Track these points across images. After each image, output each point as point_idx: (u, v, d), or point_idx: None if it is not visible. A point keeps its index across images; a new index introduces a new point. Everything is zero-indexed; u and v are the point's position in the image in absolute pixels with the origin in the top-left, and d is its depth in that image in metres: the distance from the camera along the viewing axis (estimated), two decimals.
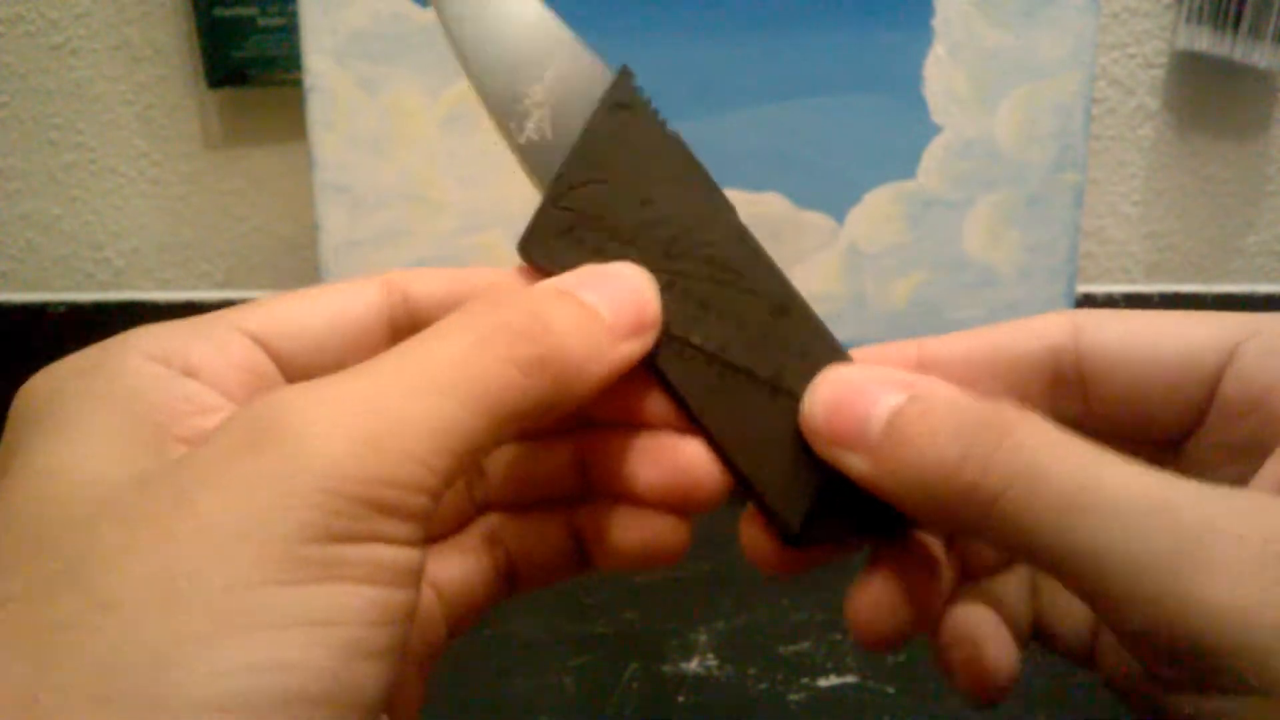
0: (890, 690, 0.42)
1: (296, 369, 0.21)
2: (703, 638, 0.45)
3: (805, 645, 0.45)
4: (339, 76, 0.52)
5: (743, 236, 0.22)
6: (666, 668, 0.43)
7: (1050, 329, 0.23)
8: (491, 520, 0.25)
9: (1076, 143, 0.54)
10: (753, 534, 0.23)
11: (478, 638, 0.42)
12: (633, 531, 0.23)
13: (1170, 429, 0.22)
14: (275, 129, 0.61)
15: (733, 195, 0.23)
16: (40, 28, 0.60)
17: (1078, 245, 0.55)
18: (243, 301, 0.21)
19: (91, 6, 0.60)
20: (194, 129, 0.62)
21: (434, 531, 0.24)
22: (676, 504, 0.23)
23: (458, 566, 0.24)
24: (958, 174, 0.54)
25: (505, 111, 0.22)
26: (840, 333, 0.23)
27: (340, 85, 0.52)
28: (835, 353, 0.23)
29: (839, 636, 0.45)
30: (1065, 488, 0.18)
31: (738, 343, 0.22)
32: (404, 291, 0.22)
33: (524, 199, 0.22)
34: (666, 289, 0.22)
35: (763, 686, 0.42)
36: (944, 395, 0.20)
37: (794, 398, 0.22)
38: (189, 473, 0.16)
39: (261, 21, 0.58)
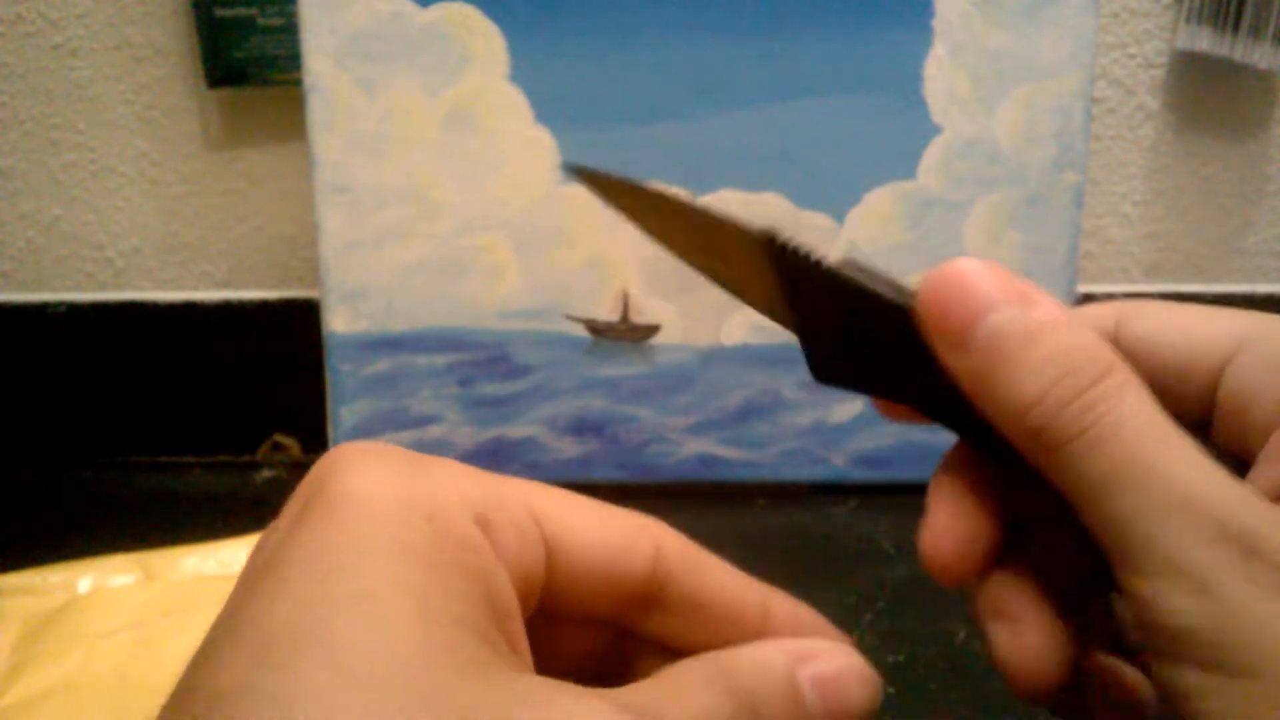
0: (890, 690, 0.42)
1: (558, 583, 0.21)
2: None
3: None
4: (339, 76, 0.52)
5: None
6: None
7: (1099, 318, 0.23)
8: None
9: (1076, 143, 0.54)
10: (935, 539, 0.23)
11: None
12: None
13: (1191, 417, 0.22)
14: (275, 129, 0.61)
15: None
16: (40, 28, 0.60)
17: (1078, 245, 0.55)
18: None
19: (91, 6, 0.60)
20: (194, 129, 0.62)
21: None
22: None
23: None
24: (958, 174, 0.54)
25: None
26: None
27: (340, 85, 0.52)
28: None
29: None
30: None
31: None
32: (669, 568, 0.22)
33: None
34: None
35: None
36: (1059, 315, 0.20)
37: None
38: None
39: (261, 21, 0.58)
